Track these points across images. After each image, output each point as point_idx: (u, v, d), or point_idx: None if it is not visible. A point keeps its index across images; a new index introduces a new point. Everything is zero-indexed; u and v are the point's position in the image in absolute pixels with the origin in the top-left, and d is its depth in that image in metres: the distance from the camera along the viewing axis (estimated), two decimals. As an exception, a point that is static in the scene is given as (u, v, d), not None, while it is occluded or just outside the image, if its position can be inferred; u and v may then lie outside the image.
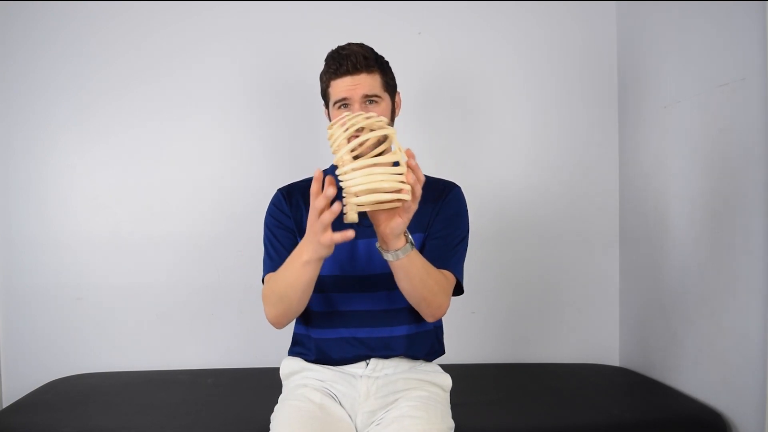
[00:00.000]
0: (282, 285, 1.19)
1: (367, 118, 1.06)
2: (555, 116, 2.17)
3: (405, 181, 1.00)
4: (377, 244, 1.13)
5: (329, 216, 1.01)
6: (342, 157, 1.03)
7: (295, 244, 1.30)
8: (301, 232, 1.32)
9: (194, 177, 2.12)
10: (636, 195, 2.07)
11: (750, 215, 1.50)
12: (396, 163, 1.04)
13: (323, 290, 1.31)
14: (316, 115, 2.09)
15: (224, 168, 2.13)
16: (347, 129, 1.05)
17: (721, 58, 1.61)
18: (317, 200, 1.02)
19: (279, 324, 1.26)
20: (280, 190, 1.40)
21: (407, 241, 1.11)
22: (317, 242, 1.05)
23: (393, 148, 1.06)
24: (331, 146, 1.06)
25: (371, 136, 1.05)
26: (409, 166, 1.02)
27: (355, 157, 1.04)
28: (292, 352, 1.40)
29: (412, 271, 1.16)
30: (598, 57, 2.17)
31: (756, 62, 1.46)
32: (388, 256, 1.12)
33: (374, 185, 0.99)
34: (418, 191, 1.03)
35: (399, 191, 1.00)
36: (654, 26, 1.94)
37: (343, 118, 1.07)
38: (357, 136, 1.06)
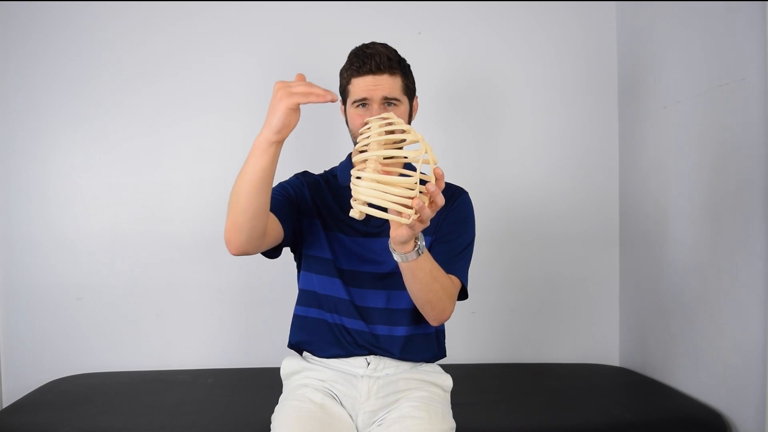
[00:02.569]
0: (237, 186, 1.12)
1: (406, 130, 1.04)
2: (555, 116, 2.17)
3: (411, 205, 0.97)
4: (389, 242, 1.12)
5: (305, 89, 0.98)
6: (368, 161, 1.01)
7: (291, 199, 1.32)
8: (308, 211, 1.34)
9: (194, 177, 2.12)
10: (636, 195, 2.07)
11: (750, 215, 1.50)
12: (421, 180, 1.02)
13: (336, 276, 1.32)
14: (317, 115, 2.09)
15: (225, 168, 2.11)
16: (385, 129, 1.02)
17: (721, 58, 1.61)
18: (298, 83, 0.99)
19: (230, 241, 1.14)
20: (301, 173, 1.41)
21: (415, 248, 1.10)
22: (275, 106, 1.02)
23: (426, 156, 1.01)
24: (360, 140, 1.05)
25: (409, 156, 1.00)
26: (426, 190, 0.99)
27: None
28: (292, 337, 1.40)
29: (418, 275, 1.15)
30: (598, 57, 2.17)
31: (756, 62, 1.46)
32: (396, 257, 1.12)
33: (377, 201, 0.97)
34: (426, 215, 1.00)
35: (399, 214, 0.98)
36: (654, 26, 1.94)
37: (387, 118, 1.04)
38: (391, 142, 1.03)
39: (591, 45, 2.17)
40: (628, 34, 2.11)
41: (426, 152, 1.00)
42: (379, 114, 1.25)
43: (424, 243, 1.12)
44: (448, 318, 1.28)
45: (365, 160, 1.02)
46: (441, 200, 1.01)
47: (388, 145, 1.04)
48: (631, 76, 2.10)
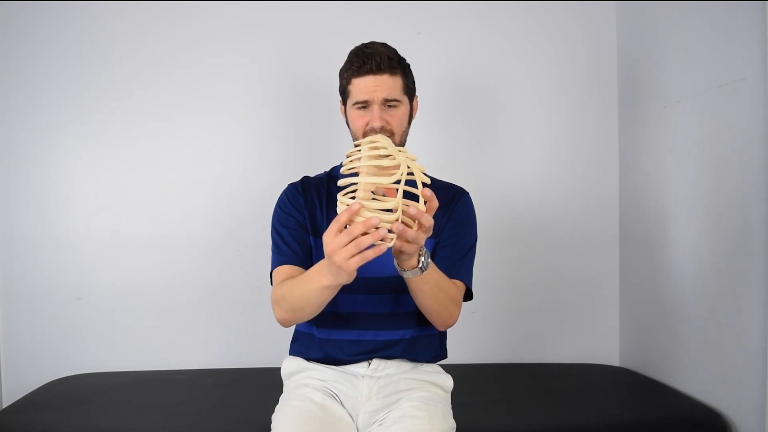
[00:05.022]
0: (297, 300, 1.17)
1: (400, 151, 1.03)
2: (555, 116, 2.17)
3: (392, 229, 0.96)
4: (393, 260, 1.12)
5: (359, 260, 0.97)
6: (358, 185, 1.00)
7: (305, 239, 1.31)
8: (314, 228, 1.32)
9: (195, 177, 2.12)
10: (636, 195, 2.07)
11: (750, 215, 1.50)
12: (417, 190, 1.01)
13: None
14: (316, 115, 2.10)
15: (225, 168, 2.13)
16: (374, 153, 1.00)
17: (721, 58, 1.61)
18: (356, 226, 0.96)
19: (287, 325, 1.26)
20: (293, 184, 1.39)
21: (418, 264, 1.10)
22: (340, 271, 1.00)
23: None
24: (346, 163, 1.04)
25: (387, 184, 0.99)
26: (407, 213, 0.99)
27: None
28: (293, 351, 1.40)
29: (424, 287, 1.16)
30: (598, 57, 2.17)
31: (756, 62, 1.46)
32: (401, 273, 1.12)
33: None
34: (411, 236, 0.99)
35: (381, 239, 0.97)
36: (654, 26, 1.94)
37: (376, 142, 1.03)
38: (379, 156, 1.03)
39: (591, 45, 2.17)
40: (628, 34, 2.11)
41: (409, 171, 0.99)
42: (380, 115, 1.26)
43: (428, 258, 1.11)
44: (455, 323, 1.28)
45: (352, 184, 1.02)
46: (428, 221, 1.00)
47: (378, 168, 1.03)
48: (631, 76, 2.10)
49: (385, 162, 0.99)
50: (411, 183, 1.02)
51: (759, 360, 1.46)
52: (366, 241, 0.96)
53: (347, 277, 1.03)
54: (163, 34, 2.10)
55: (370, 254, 0.97)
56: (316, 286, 1.10)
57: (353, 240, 0.96)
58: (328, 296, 1.12)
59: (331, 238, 0.98)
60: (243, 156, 2.13)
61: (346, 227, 0.99)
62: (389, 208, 0.98)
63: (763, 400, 1.44)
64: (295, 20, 2.11)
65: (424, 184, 1.01)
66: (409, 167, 1.00)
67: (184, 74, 2.10)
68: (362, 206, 0.97)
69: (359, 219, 0.96)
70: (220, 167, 2.12)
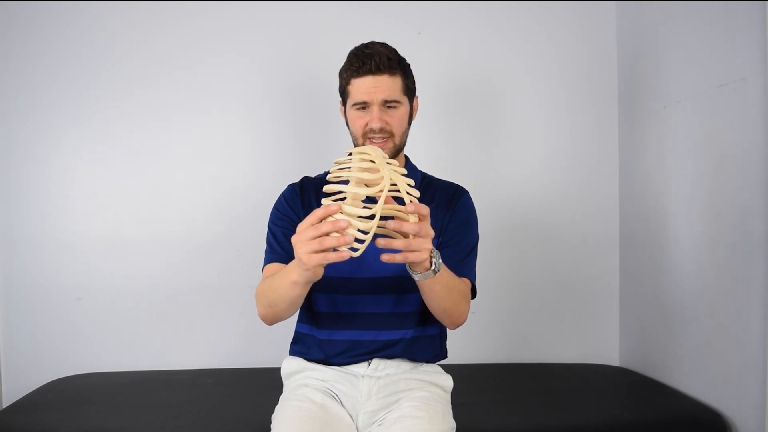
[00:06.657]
0: (272, 295, 1.18)
1: (388, 163, 1.03)
2: (555, 116, 2.17)
3: (364, 239, 0.96)
4: (405, 264, 1.11)
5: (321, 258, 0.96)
6: (347, 193, 1.00)
7: None
8: None
9: (194, 177, 2.12)
10: (636, 195, 2.07)
11: (750, 215, 1.50)
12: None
13: (331, 291, 1.31)
14: (316, 115, 2.10)
15: (224, 168, 2.13)
16: (362, 164, 1.00)
17: (721, 58, 1.61)
18: (324, 225, 0.96)
19: (268, 322, 1.26)
20: (292, 185, 1.39)
21: (431, 267, 1.09)
22: (301, 264, 1.00)
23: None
24: (334, 171, 1.04)
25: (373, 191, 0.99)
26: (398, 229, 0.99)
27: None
28: (293, 351, 1.40)
29: (435, 288, 1.16)
30: (598, 57, 2.17)
31: (756, 62, 1.46)
32: (414, 276, 1.12)
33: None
34: (400, 245, 0.99)
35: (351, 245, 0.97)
36: (654, 26, 1.94)
37: (365, 153, 1.03)
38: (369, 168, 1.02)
39: (591, 45, 2.17)
40: (628, 34, 2.11)
41: (393, 183, 0.99)
42: (380, 116, 1.26)
43: (439, 259, 1.11)
44: (465, 320, 1.28)
45: (339, 191, 1.02)
46: (417, 229, 1.00)
47: (364, 180, 1.03)
48: (631, 76, 2.10)
49: (366, 175, 0.99)
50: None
51: (759, 360, 1.46)
52: (329, 242, 0.95)
53: (310, 274, 1.02)
54: (163, 34, 2.10)
55: (332, 257, 0.96)
56: (287, 281, 1.10)
57: (319, 237, 0.96)
58: (298, 293, 1.11)
59: (301, 228, 0.99)
60: (243, 156, 2.13)
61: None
62: (370, 214, 0.97)
63: (763, 400, 1.44)
64: (295, 20, 2.11)
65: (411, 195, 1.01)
66: (393, 181, 1.00)
67: (184, 74, 2.10)
68: (340, 208, 0.97)
69: (332, 219, 0.97)
70: (220, 167, 2.12)
